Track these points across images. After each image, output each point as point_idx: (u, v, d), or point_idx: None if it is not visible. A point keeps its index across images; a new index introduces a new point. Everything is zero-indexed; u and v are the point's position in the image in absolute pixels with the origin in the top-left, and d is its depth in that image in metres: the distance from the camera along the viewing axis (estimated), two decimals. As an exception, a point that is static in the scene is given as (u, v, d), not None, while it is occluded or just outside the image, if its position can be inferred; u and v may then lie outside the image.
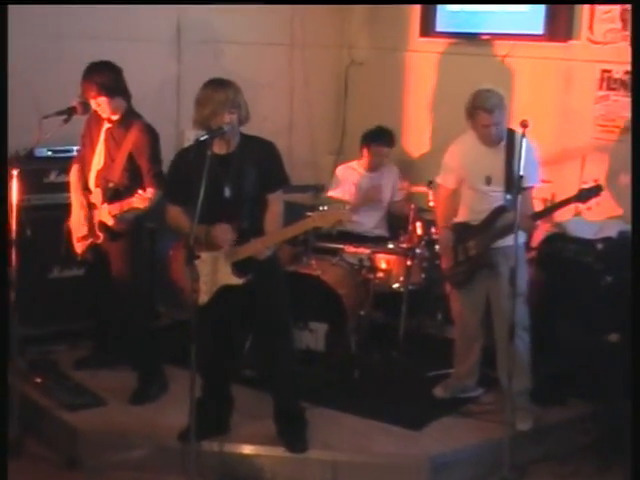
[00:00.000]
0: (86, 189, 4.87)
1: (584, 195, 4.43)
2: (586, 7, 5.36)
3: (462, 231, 4.79)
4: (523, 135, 4.18)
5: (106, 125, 4.80)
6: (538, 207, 4.80)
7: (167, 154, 4.69)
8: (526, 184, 4.43)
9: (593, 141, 5.38)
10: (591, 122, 5.38)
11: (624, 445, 4.34)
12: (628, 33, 5.08)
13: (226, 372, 4.53)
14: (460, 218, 4.84)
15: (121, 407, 4.75)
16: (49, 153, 5.40)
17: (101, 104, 4.70)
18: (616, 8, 5.17)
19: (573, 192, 4.55)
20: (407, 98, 6.56)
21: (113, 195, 4.73)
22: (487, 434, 4.55)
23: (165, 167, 4.60)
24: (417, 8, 6.35)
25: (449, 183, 4.82)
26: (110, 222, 4.73)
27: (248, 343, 4.94)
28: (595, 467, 4.52)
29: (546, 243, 5.07)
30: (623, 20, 5.16)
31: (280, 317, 4.39)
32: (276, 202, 4.26)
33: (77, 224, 4.90)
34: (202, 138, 4.04)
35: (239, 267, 4.20)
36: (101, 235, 4.80)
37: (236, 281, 4.20)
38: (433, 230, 5.43)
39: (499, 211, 4.57)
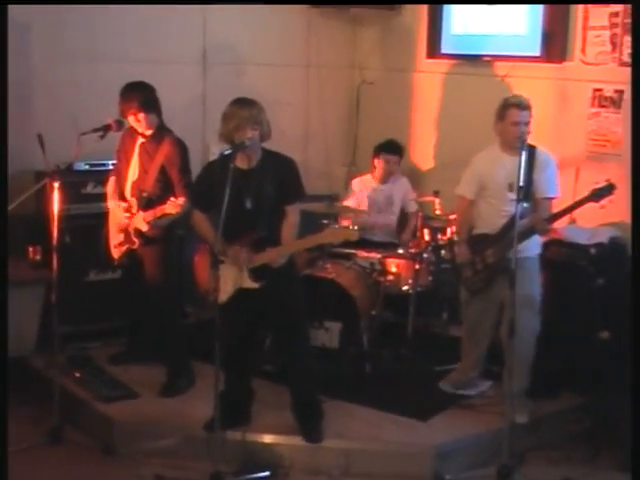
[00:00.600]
0: (122, 199, 4.99)
1: (597, 194, 4.40)
2: (579, 31, 5.44)
3: (480, 242, 4.81)
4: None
5: (140, 140, 4.91)
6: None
7: (194, 166, 4.87)
8: (547, 195, 4.63)
9: (586, 154, 5.46)
10: (584, 136, 5.47)
11: (612, 434, 4.54)
12: (617, 55, 5.22)
13: (247, 367, 4.61)
14: (478, 230, 4.87)
15: (152, 399, 4.87)
16: (86, 167, 5.52)
17: (140, 120, 4.80)
18: (606, 32, 5.27)
19: (569, 201, 4.63)
20: (414, 115, 6.63)
21: (147, 204, 4.83)
22: (487, 425, 4.64)
23: (192, 178, 4.76)
24: (424, 32, 6.43)
25: (469, 193, 4.84)
26: (144, 228, 4.83)
27: (268, 340, 5.07)
28: (586, 453, 4.64)
29: (544, 248, 5.01)
30: (613, 43, 5.26)
31: (296, 318, 4.48)
32: (293, 213, 4.36)
33: (114, 232, 5.03)
34: (226, 152, 4.18)
35: (256, 273, 4.31)
36: (137, 241, 4.90)
37: (252, 285, 4.31)
38: (439, 236, 5.54)
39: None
